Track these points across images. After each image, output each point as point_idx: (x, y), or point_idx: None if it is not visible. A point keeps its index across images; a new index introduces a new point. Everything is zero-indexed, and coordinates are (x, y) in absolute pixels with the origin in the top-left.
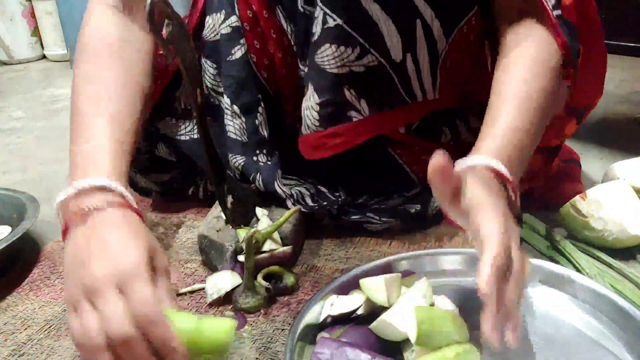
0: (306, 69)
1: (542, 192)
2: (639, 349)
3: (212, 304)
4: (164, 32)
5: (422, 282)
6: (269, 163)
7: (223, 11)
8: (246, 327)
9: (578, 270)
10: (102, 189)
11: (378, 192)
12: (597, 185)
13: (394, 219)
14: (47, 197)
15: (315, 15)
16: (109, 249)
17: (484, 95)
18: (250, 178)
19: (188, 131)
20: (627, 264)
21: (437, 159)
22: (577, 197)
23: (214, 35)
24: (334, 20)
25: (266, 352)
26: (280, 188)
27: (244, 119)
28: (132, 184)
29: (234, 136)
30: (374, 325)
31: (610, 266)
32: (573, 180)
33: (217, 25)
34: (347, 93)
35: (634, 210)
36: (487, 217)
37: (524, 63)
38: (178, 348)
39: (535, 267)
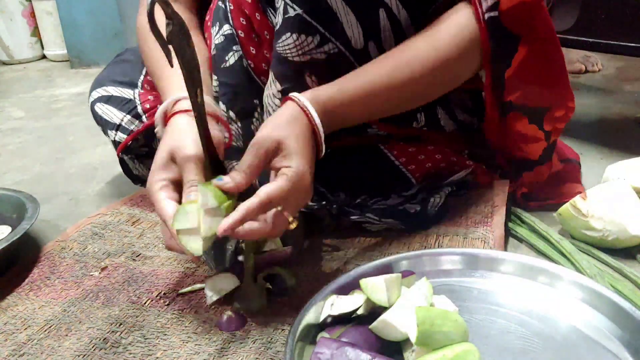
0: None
1: (542, 192)
2: (639, 349)
3: (212, 304)
4: (165, 32)
5: (422, 282)
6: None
7: (218, 23)
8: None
9: (578, 270)
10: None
11: (377, 192)
12: (597, 185)
13: (393, 219)
14: (47, 197)
15: (277, 5)
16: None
17: (465, 85)
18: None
19: None
20: (627, 264)
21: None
22: (577, 197)
23: (213, 49)
24: (294, 10)
25: (266, 352)
26: None
27: (239, 124)
28: (127, 170)
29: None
30: (374, 325)
31: (610, 266)
32: (573, 181)
33: (213, 38)
34: (308, 80)
35: (634, 210)
36: (286, 171)
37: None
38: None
39: (535, 267)
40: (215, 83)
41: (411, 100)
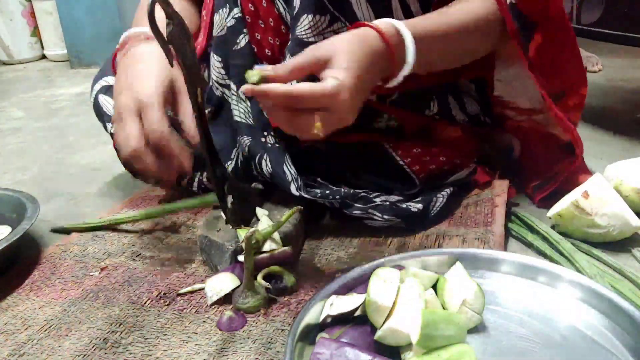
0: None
1: (559, 184)
2: (639, 349)
3: (212, 304)
4: (165, 31)
5: (411, 279)
6: (277, 145)
7: (228, 6)
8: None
9: (578, 270)
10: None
11: (379, 189)
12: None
13: (395, 216)
14: (47, 197)
15: None
16: (134, 82)
17: (474, 72)
18: (257, 159)
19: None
20: (622, 257)
21: None
22: (580, 197)
23: (221, 30)
24: None
25: (266, 352)
26: (289, 169)
27: (248, 103)
28: (128, 165)
29: (239, 119)
30: (379, 335)
31: (610, 266)
32: (585, 172)
33: (223, 19)
34: None
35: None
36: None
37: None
38: (184, 161)
39: (535, 267)
40: (219, 65)
41: (461, 53)
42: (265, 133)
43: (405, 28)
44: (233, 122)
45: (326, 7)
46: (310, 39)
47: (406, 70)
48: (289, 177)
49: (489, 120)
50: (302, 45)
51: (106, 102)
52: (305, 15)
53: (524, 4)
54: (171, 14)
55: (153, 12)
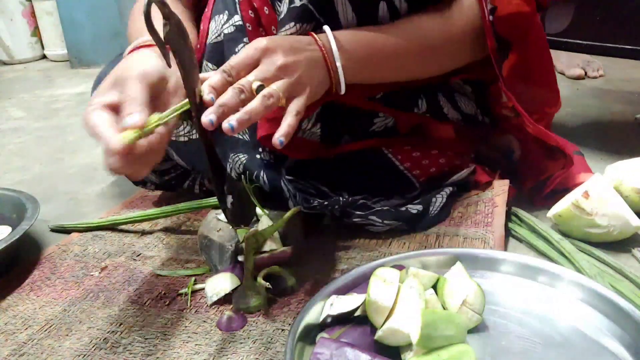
0: None
1: (559, 182)
2: (639, 349)
3: (212, 304)
4: (162, 32)
5: (411, 279)
6: (272, 162)
7: (226, 12)
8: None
9: (578, 270)
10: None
11: (379, 194)
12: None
13: (396, 220)
14: (47, 197)
15: None
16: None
17: (465, 75)
18: (254, 176)
19: (187, 132)
20: (623, 257)
21: None
22: (580, 197)
23: (216, 37)
24: (300, 0)
25: (266, 352)
26: (286, 186)
27: None
28: None
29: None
30: (379, 335)
31: (610, 266)
32: (585, 170)
33: (219, 26)
34: None
35: (623, 202)
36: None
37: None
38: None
39: (535, 267)
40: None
41: (415, 65)
42: (261, 150)
43: (331, 33)
44: (226, 137)
45: (313, 15)
46: None
47: (340, 67)
48: (287, 194)
49: (487, 120)
50: None
51: None
52: (293, 23)
53: (502, 26)
54: (168, 14)
55: (149, 12)
